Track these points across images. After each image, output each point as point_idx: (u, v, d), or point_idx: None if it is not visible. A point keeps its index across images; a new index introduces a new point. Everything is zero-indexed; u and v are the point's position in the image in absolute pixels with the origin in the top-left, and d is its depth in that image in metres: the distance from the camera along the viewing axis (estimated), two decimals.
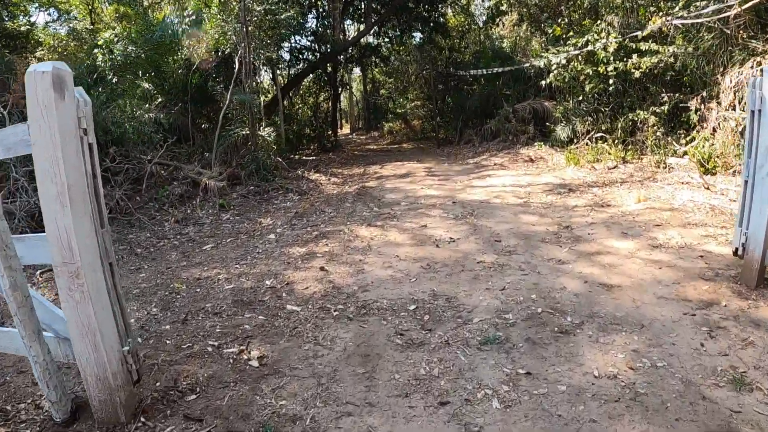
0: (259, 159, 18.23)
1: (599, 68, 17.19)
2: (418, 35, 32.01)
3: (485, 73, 24.76)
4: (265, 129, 20.42)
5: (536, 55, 21.27)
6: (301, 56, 29.21)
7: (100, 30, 22.19)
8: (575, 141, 19.30)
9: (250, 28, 19.35)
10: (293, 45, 27.56)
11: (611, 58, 16.90)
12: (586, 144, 18.56)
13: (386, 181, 17.50)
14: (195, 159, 18.48)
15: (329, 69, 31.18)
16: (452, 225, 10.55)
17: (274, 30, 21.39)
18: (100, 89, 17.16)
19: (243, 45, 18.99)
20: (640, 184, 13.53)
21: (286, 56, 28.85)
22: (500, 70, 23.92)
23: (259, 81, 23.99)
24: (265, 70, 26.32)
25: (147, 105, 19.90)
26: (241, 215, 13.65)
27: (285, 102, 29.94)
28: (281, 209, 14.03)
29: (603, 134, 17.75)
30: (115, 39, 19.32)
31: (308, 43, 28.95)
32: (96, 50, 18.78)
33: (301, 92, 32.39)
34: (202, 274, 8.42)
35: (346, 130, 47.25)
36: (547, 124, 21.16)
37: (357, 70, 42.59)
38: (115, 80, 20.12)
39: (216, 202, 14.98)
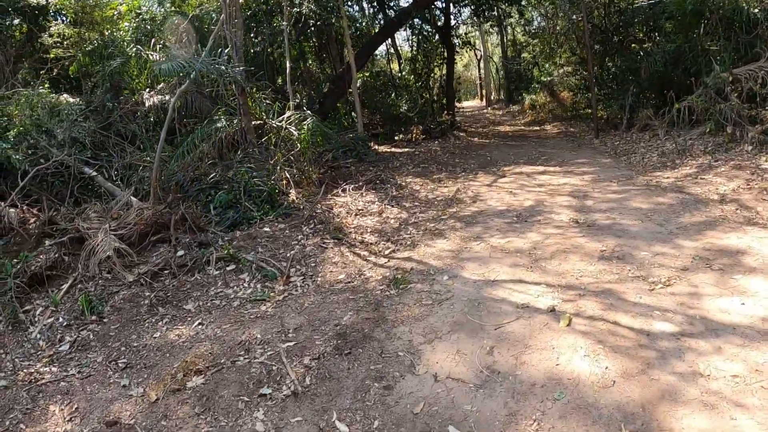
0: (239, 182, 8.38)
1: None
2: None
3: None
4: (290, 118, 10.43)
5: None
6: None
7: None
8: None
9: None
10: None
11: None
12: None
13: (478, 243, 7.10)
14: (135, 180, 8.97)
15: (439, 23, 20.23)
16: None
17: None
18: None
19: None
20: None
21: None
22: None
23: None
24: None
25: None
26: (83, 351, 5.43)
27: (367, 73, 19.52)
28: (164, 348, 5.28)
29: None
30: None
31: None
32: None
33: (410, 55, 21.68)
34: None
35: (484, 102, 36.14)
36: None
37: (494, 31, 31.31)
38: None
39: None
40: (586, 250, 6.15)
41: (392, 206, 9.22)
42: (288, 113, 10.85)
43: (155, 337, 5.35)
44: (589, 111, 18.31)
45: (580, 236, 6.66)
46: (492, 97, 35.19)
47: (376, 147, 15.79)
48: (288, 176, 9.44)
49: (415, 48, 21.38)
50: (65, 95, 12.00)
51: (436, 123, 18.21)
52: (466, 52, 33.69)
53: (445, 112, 19.67)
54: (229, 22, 9.96)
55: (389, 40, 22.23)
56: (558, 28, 23.43)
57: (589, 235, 6.65)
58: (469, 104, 37.94)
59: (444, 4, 19.92)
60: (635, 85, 15.71)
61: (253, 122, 10.81)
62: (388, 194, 9.87)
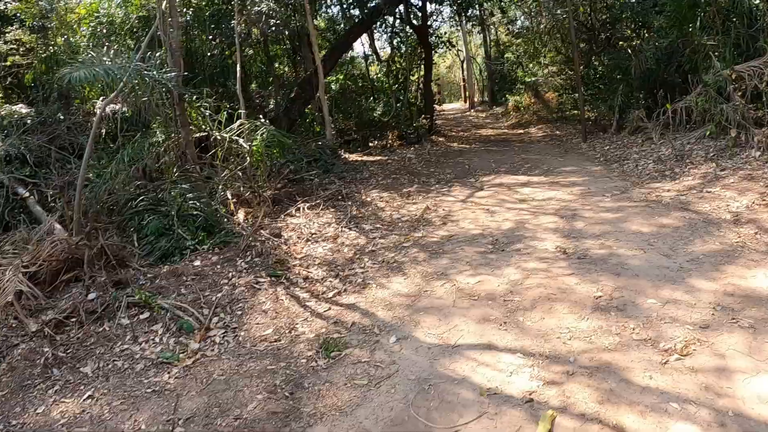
0: (173, 205, 7.04)
1: None
2: None
3: None
4: (240, 129, 9.09)
5: None
6: None
7: None
8: None
9: None
10: None
11: None
12: None
13: (441, 283, 5.67)
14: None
15: (416, 20, 18.71)
16: None
17: None
18: None
19: None
20: None
21: None
22: None
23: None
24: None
25: None
26: None
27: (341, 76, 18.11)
28: None
29: None
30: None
31: None
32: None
33: (387, 57, 20.13)
34: None
35: (468, 104, 34.62)
36: None
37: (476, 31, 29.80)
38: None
39: None
40: (576, 295, 4.76)
41: (350, 229, 7.81)
42: (237, 123, 9.44)
43: (38, 413, 4.08)
44: (576, 112, 16.99)
45: (568, 273, 5.26)
46: (475, 99, 33.77)
47: (347, 155, 14.39)
48: (230, 196, 8.05)
49: (391, 49, 19.82)
50: (20, 105, 10.69)
51: (412, 128, 16.71)
52: (450, 53, 32.32)
53: (423, 116, 18.20)
54: (162, 20, 8.56)
55: (369, 41, 20.81)
56: (542, 26, 22.07)
57: (580, 272, 5.25)
58: (453, 107, 36.53)
59: (420, 2, 18.48)
60: (625, 85, 14.36)
61: (196, 134, 9.42)
62: (347, 214, 8.45)
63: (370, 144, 16.02)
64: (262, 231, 7.56)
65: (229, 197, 8.10)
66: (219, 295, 5.71)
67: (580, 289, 4.85)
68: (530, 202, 8.36)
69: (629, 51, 15.29)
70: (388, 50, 21.11)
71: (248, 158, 9.00)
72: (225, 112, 9.53)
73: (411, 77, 19.02)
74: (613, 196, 8.13)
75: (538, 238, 6.49)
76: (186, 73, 9.67)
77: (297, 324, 5.04)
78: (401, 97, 17.86)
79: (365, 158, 14.23)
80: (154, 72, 7.93)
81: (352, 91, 18.81)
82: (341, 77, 19.36)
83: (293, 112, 14.86)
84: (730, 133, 9.62)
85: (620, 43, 16.87)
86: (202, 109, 9.76)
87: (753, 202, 6.73)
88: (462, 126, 22.88)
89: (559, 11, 18.75)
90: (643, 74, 13.70)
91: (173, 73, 8.22)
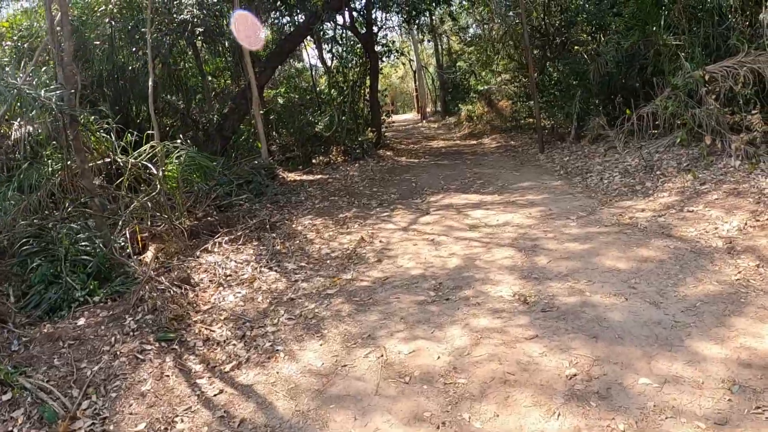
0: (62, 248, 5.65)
1: None
2: None
3: None
4: (152, 152, 7.71)
5: None
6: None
7: None
8: None
9: None
10: None
11: None
12: None
13: (366, 353, 4.36)
14: None
15: (362, 28, 17.39)
16: None
17: None
18: None
19: None
20: None
21: None
22: None
23: None
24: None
25: None
26: None
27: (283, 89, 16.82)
28: None
29: None
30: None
31: None
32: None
33: (330, 66, 18.65)
34: None
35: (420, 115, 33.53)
36: None
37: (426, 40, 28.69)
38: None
39: None
40: (542, 374, 3.48)
41: (270, 269, 6.47)
42: (148, 146, 7.99)
43: None
44: (531, 120, 15.92)
45: (530, 336, 3.99)
46: (428, 110, 32.68)
47: (287, 174, 13.03)
48: (128, 233, 6.66)
49: (332, 58, 18.38)
50: None
51: (357, 142, 15.32)
52: (402, 63, 31.19)
53: (369, 128, 16.84)
54: (52, 30, 7.13)
55: (317, 51, 19.36)
56: (494, 33, 20.98)
57: (546, 334, 3.98)
58: (405, 117, 35.47)
59: (365, 9, 17.16)
60: (582, 90, 13.31)
61: (98, 161, 7.98)
62: (270, 249, 7.10)
63: (313, 161, 14.66)
64: (163, 277, 6.15)
65: (128, 234, 6.69)
66: (96, 368, 4.33)
67: (546, 364, 3.58)
68: (483, 229, 7.10)
69: (586, 54, 14.26)
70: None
71: (159, 186, 7.60)
72: (130, 134, 8.06)
73: (358, 88, 17.63)
74: (579, 218, 6.93)
75: (491, 280, 5.22)
76: (106, 91, 8.25)
77: (177, 416, 3.69)
78: (345, 110, 16.50)
79: (305, 177, 12.87)
80: (31, 90, 6.52)
81: (299, 105, 17.44)
82: (283, 90, 18.00)
83: (227, 128, 13.44)
84: (704, 141, 8.56)
85: (575, 47, 15.89)
86: (102, 131, 8.30)
87: (745, 224, 5.59)
88: (413, 138, 21.67)
89: (511, 14, 17.68)
90: (602, 79, 12.69)
91: (59, 91, 6.77)
